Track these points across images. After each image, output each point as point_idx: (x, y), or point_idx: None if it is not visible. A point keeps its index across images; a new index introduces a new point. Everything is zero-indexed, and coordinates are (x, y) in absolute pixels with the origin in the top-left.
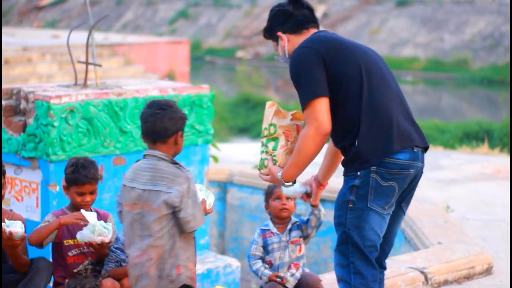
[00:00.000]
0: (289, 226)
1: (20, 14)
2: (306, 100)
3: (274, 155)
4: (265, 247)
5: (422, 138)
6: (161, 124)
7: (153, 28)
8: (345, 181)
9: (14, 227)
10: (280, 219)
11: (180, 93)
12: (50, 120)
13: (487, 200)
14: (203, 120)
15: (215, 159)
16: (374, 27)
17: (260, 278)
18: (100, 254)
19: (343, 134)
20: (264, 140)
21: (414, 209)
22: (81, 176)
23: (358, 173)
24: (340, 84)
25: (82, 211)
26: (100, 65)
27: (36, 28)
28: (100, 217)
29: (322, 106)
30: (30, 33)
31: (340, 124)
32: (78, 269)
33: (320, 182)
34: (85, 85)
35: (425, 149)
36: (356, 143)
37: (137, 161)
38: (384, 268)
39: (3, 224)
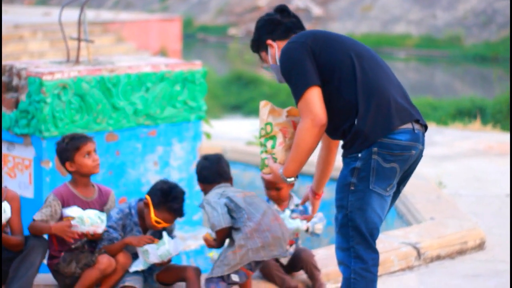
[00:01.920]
0: (291, 207)
1: None
2: (298, 92)
3: (274, 153)
4: None
5: (420, 116)
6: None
7: (145, 5)
8: (345, 163)
9: None
10: (281, 200)
11: (173, 69)
12: (43, 96)
13: (479, 176)
14: (195, 96)
15: (208, 135)
16: (366, 4)
17: None
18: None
19: (342, 119)
20: (263, 140)
21: (407, 184)
22: (81, 138)
23: (359, 154)
24: (332, 71)
25: (66, 210)
26: (92, 41)
27: (27, 5)
28: (102, 193)
29: (314, 96)
30: (21, 10)
31: (338, 111)
32: (76, 245)
33: (315, 192)
34: (77, 62)
35: (425, 129)
36: (355, 123)
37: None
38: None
39: None
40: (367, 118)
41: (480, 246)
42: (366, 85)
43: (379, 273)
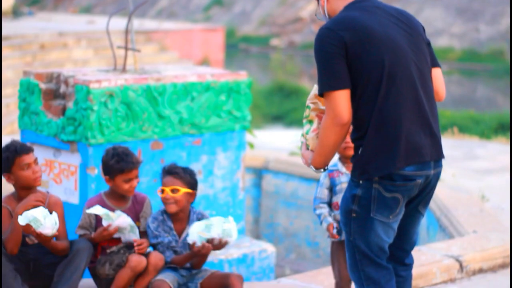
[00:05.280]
0: None
1: None
2: (324, 89)
3: (307, 139)
4: (332, 188)
5: (437, 151)
6: None
7: (188, 15)
8: (349, 184)
9: (44, 228)
10: (346, 157)
11: (218, 79)
12: (90, 104)
13: None
14: (240, 106)
15: (251, 145)
16: None
17: (321, 224)
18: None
19: (354, 129)
20: (304, 121)
21: (450, 197)
22: (128, 164)
23: (360, 181)
24: (357, 83)
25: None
26: (139, 50)
27: (71, 13)
28: (137, 201)
29: (340, 98)
30: (66, 18)
31: (354, 119)
32: (112, 249)
33: None
34: (124, 70)
35: (441, 157)
36: (359, 151)
37: None
38: (407, 265)
39: (34, 224)
40: (371, 152)
41: None
42: (382, 114)
43: (421, 285)
